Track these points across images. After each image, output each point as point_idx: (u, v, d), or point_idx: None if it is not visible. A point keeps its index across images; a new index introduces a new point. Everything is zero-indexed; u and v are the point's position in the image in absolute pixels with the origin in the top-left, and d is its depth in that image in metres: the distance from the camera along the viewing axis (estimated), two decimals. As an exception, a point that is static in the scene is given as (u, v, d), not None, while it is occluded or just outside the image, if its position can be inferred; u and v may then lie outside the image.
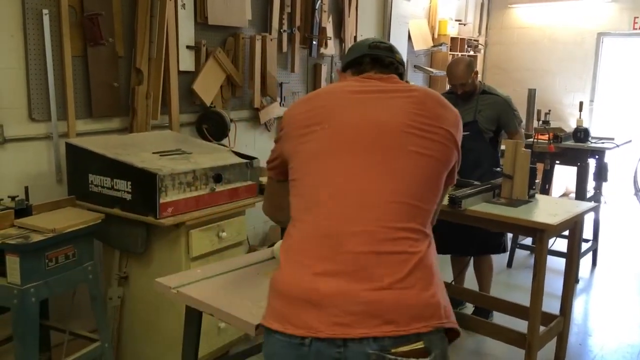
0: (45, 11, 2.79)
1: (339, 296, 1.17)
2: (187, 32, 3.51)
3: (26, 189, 2.43)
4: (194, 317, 1.81)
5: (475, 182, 3.07)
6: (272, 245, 2.14)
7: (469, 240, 3.46)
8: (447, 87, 6.30)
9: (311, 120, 1.43)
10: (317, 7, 4.39)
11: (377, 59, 1.59)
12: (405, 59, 5.82)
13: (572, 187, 5.69)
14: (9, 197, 2.37)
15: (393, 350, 1.14)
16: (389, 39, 5.48)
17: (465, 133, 3.60)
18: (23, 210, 2.33)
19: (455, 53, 6.54)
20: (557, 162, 4.63)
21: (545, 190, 4.67)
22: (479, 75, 4.13)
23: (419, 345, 1.16)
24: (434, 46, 6.33)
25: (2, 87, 2.60)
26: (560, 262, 3.32)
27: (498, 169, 3.19)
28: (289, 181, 1.45)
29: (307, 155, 1.40)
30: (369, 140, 1.35)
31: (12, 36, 2.72)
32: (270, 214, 1.80)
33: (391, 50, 1.63)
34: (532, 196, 2.99)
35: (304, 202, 1.36)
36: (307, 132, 1.41)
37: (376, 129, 1.37)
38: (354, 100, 1.45)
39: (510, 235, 4.15)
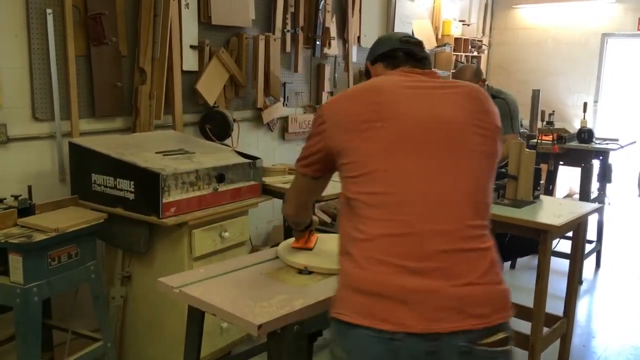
0: (49, 11, 2.79)
1: (427, 293, 1.22)
2: (190, 32, 3.51)
3: (29, 188, 2.44)
4: (196, 317, 1.80)
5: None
6: (276, 245, 2.14)
7: (501, 245, 3.45)
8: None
9: (369, 115, 1.40)
10: (320, 7, 4.39)
11: (410, 53, 1.61)
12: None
13: (576, 188, 5.67)
14: (12, 196, 2.38)
15: (481, 342, 1.22)
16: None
17: None
18: (26, 209, 2.33)
19: (459, 53, 6.53)
20: (561, 163, 4.62)
21: (549, 191, 4.65)
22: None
23: (502, 335, 1.25)
24: (437, 47, 6.32)
25: (5, 86, 2.61)
26: (564, 264, 3.31)
27: (503, 169, 3.18)
28: (343, 178, 1.44)
29: (373, 152, 1.37)
30: (438, 139, 1.38)
31: (16, 36, 2.73)
32: (294, 215, 1.78)
33: (421, 45, 1.65)
34: (537, 197, 2.98)
35: (377, 199, 1.34)
36: (367, 127, 1.39)
37: (442, 126, 1.39)
38: (411, 95, 1.45)
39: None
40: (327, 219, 4.21)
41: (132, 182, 2.55)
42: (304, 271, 1.84)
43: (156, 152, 2.75)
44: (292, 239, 2.10)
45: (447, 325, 1.21)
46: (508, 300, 1.31)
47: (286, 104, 4.37)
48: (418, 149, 1.36)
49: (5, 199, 2.38)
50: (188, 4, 3.46)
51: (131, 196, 2.56)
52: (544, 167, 4.15)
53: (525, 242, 3.57)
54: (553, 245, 2.76)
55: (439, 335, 1.21)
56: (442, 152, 1.37)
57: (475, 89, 1.51)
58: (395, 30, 5.50)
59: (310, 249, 2.00)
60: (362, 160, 1.38)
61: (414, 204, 1.31)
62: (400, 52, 1.61)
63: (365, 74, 1.75)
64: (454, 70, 6.35)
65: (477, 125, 1.42)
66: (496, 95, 3.48)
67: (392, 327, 1.22)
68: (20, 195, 2.37)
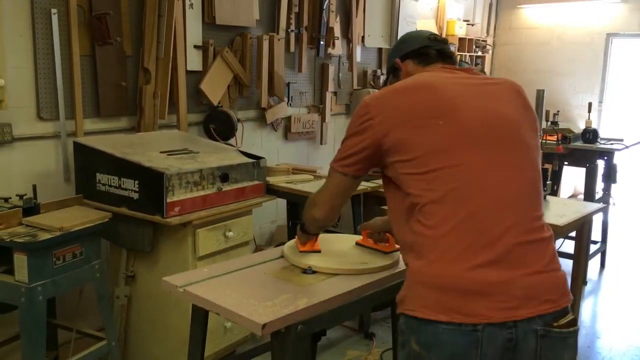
0: (54, 10, 2.80)
1: (503, 284, 1.29)
2: (194, 32, 3.51)
3: (34, 187, 2.44)
4: (200, 316, 1.80)
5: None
6: (280, 244, 2.14)
7: None
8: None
9: (428, 112, 1.42)
10: (324, 7, 4.39)
11: (441, 50, 1.66)
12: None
13: (581, 188, 5.65)
14: (17, 195, 2.39)
15: (554, 324, 1.32)
16: (396, 40, 5.47)
17: None
18: (31, 208, 2.34)
19: (463, 53, 6.52)
20: (566, 163, 4.61)
21: (554, 191, 4.64)
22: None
23: (570, 316, 1.35)
24: (441, 46, 6.31)
25: (11, 86, 2.61)
26: (568, 264, 3.30)
27: None
28: (400, 175, 1.44)
29: (438, 149, 1.39)
30: (499, 135, 1.43)
31: (21, 35, 2.73)
32: (324, 218, 1.71)
33: (447, 43, 1.71)
34: (544, 197, 2.97)
35: (446, 196, 1.36)
36: (427, 123, 1.41)
37: (500, 122, 1.45)
38: (464, 92, 1.48)
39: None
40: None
41: (136, 182, 2.56)
42: (308, 271, 1.84)
43: (160, 152, 2.75)
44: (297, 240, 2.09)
45: (523, 312, 1.29)
46: (567, 285, 1.42)
47: (290, 104, 4.37)
48: (481, 145, 1.40)
49: (10, 198, 2.39)
50: (192, 4, 3.46)
51: (135, 196, 2.57)
52: (548, 167, 4.15)
53: None
54: (557, 246, 2.75)
55: (515, 322, 1.28)
56: (503, 147, 1.42)
57: (516, 85, 1.57)
58: (400, 31, 5.49)
59: (319, 251, 1.98)
60: (426, 157, 1.39)
61: (483, 199, 1.35)
62: (431, 49, 1.66)
63: (392, 72, 1.77)
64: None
65: (526, 119, 1.50)
66: None
67: (473, 319, 1.28)
68: (25, 194, 2.38)
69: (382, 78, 5.26)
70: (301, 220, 1.89)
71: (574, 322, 1.36)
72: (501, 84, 1.56)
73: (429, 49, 1.66)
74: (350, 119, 1.57)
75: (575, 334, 1.36)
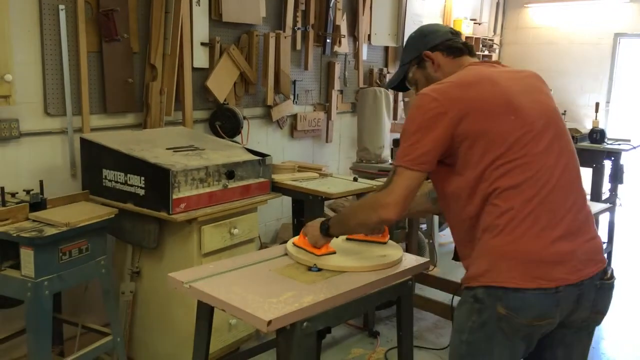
0: (61, 7, 2.81)
1: (572, 252, 1.56)
2: (201, 29, 3.52)
3: (41, 183, 2.45)
4: (205, 312, 1.81)
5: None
6: (285, 242, 2.14)
7: None
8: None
9: (498, 106, 1.59)
10: (331, 5, 4.39)
11: (466, 44, 1.80)
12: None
13: (587, 188, 5.62)
14: (24, 190, 2.40)
15: (604, 278, 1.63)
16: (403, 38, 5.46)
17: None
18: (38, 204, 2.35)
19: (470, 52, 6.50)
20: (572, 163, 4.58)
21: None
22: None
23: (610, 271, 1.66)
24: (448, 45, 6.29)
25: (18, 81, 2.62)
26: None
27: None
28: (476, 164, 1.57)
29: (513, 141, 1.56)
30: (552, 126, 1.64)
31: (29, 31, 2.74)
32: (398, 218, 1.69)
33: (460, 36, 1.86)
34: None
35: (522, 184, 1.56)
36: (501, 117, 1.58)
37: (550, 114, 1.67)
38: (516, 86, 1.67)
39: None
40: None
41: (142, 178, 2.56)
42: (313, 268, 1.84)
43: (166, 149, 2.76)
44: (298, 236, 2.08)
45: (588, 271, 1.58)
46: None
47: (296, 102, 4.37)
48: (544, 137, 1.60)
49: (17, 193, 2.40)
50: (199, 1, 3.47)
51: (141, 192, 2.57)
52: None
53: None
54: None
55: (583, 281, 1.57)
56: (557, 136, 1.64)
57: (537, 75, 1.80)
58: (406, 29, 5.48)
59: (334, 252, 1.95)
60: (503, 148, 1.56)
61: (553, 185, 1.57)
62: (456, 42, 1.78)
63: (417, 63, 1.82)
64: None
65: (556, 106, 1.74)
66: None
67: (556, 283, 1.53)
68: (32, 189, 2.39)
69: (389, 76, 5.24)
70: (326, 224, 1.87)
71: (613, 275, 1.67)
72: (530, 75, 1.77)
73: (455, 42, 1.78)
74: (410, 115, 1.64)
75: (614, 284, 1.68)
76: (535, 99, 1.66)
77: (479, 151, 1.56)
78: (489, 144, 1.55)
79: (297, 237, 2.04)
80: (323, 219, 1.94)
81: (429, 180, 1.74)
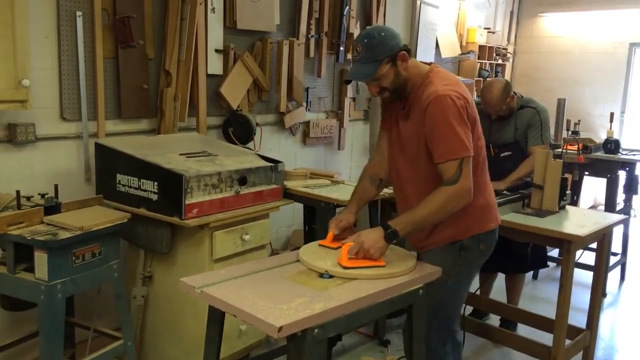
0: (79, 13, 2.84)
1: None
2: (216, 36, 3.54)
3: (56, 187, 2.47)
4: (216, 317, 1.81)
5: (505, 192, 3.04)
6: (297, 249, 2.14)
7: (521, 257, 3.42)
8: (475, 95, 6.25)
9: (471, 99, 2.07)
10: (345, 13, 4.40)
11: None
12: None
13: (601, 199, 5.57)
14: (39, 194, 2.41)
15: None
16: (416, 46, 5.46)
17: (507, 154, 3.52)
18: (52, 207, 2.37)
19: (484, 61, 6.49)
20: (586, 173, 4.55)
21: (574, 201, 4.58)
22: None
23: None
24: (461, 54, 6.29)
25: (35, 86, 2.65)
26: (588, 276, 3.26)
27: (528, 178, 3.14)
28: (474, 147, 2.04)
29: (478, 124, 2.11)
30: None
31: (46, 37, 2.78)
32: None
33: None
34: (563, 207, 2.94)
35: (479, 163, 2.13)
36: (474, 106, 2.07)
37: None
38: None
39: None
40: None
41: (155, 183, 2.58)
42: (325, 275, 1.84)
43: (180, 154, 2.77)
44: (313, 243, 2.10)
45: None
46: None
47: (309, 109, 4.38)
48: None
49: (32, 196, 2.42)
50: (214, 8, 3.49)
51: (154, 197, 2.59)
52: (568, 177, 4.11)
53: (541, 254, 3.55)
54: (577, 257, 2.72)
55: None
56: None
57: None
58: (419, 38, 5.49)
59: (335, 248, 1.99)
60: (478, 132, 2.10)
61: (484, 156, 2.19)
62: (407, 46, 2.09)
63: (392, 61, 2.01)
64: (478, 79, 6.31)
65: None
66: (526, 105, 3.34)
67: (498, 221, 2.26)
68: (47, 193, 2.41)
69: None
70: (394, 232, 1.93)
71: None
72: None
73: (408, 46, 2.07)
74: (445, 114, 1.95)
75: None
76: None
77: (475, 135, 2.05)
78: (477, 129, 2.08)
79: (315, 243, 2.07)
80: (378, 229, 1.96)
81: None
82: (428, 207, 1.96)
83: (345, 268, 1.86)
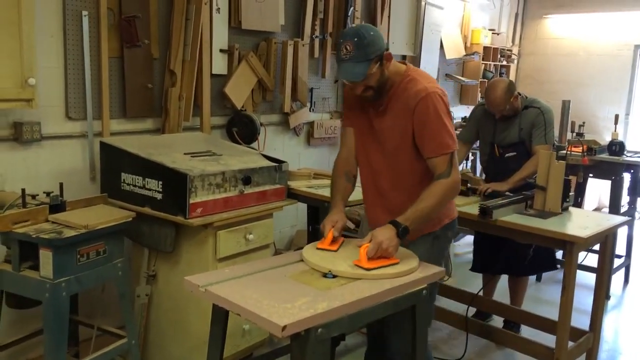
0: (84, 13, 2.86)
1: None
2: (220, 36, 3.55)
3: (61, 185, 2.49)
4: (220, 316, 1.82)
5: (508, 193, 3.03)
6: (300, 248, 2.15)
7: (523, 258, 3.41)
8: (479, 96, 6.24)
9: None
10: (349, 14, 4.40)
11: None
12: (437, 68, 5.80)
13: (606, 200, 5.56)
14: (44, 192, 2.43)
15: None
16: (420, 47, 5.46)
17: (512, 154, 3.51)
18: (57, 206, 2.38)
19: (488, 62, 6.48)
20: (591, 175, 4.54)
21: (578, 203, 4.57)
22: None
23: None
24: (466, 55, 6.28)
25: (41, 85, 2.67)
26: (592, 278, 3.25)
27: (531, 179, 3.13)
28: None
29: None
30: None
31: (52, 36, 2.79)
32: None
33: None
34: (566, 209, 2.93)
35: None
36: None
37: None
38: None
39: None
40: (352, 225, 4.21)
41: (160, 182, 2.59)
42: (328, 275, 1.85)
43: (184, 153, 2.78)
44: (311, 245, 2.10)
45: None
46: None
47: (313, 109, 4.38)
48: None
49: (37, 195, 2.43)
50: (219, 8, 3.50)
51: (159, 196, 2.60)
52: (572, 178, 4.10)
53: (547, 256, 3.54)
54: (580, 259, 2.72)
55: None
56: None
57: None
58: (424, 39, 5.49)
59: (335, 251, 2.00)
60: None
61: None
62: None
63: (380, 60, 2.04)
64: (482, 80, 6.31)
65: None
66: (530, 105, 3.34)
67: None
68: (52, 192, 2.42)
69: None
70: (404, 228, 1.97)
71: None
72: None
73: None
74: (436, 111, 2.04)
75: None
76: None
77: None
78: None
79: (313, 245, 2.05)
80: (390, 227, 1.98)
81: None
82: (430, 201, 2.04)
83: (369, 270, 1.87)
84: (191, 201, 2.52)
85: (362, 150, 2.29)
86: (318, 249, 2.04)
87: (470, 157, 5.62)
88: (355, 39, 1.99)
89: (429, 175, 2.11)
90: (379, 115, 2.18)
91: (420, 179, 2.14)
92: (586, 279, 4.06)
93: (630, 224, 4.42)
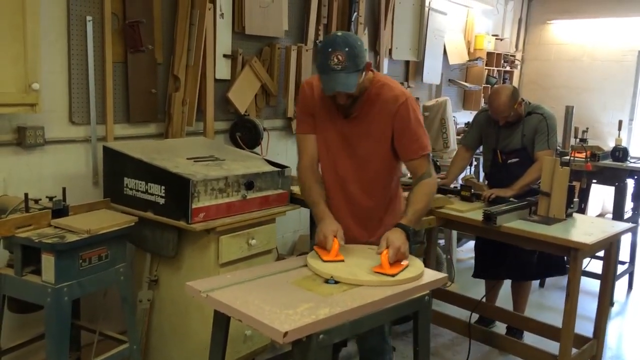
0: (89, 18, 2.87)
1: None
2: (224, 41, 3.56)
3: (64, 190, 2.49)
4: (222, 321, 1.81)
5: (512, 199, 3.03)
6: (303, 254, 2.14)
7: (527, 264, 3.40)
8: (482, 102, 6.24)
9: None
10: (353, 19, 4.41)
11: None
12: (440, 73, 5.80)
13: (609, 207, 5.54)
14: (47, 197, 2.43)
15: None
16: (424, 53, 5.46)
17: (514, 160, 3.51)
18: (60, 210, 2.38)
19: (491, 68, 6.47)
20: (594, 181, 4.53)
21: (581, 209, 4.55)
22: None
23: None
24: (469, 61, 6.28)
25: (45, 90, 2.67)
26: (596, 284, 3.23)
27: (535, 185, 3.12)
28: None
29: None
30: None
31: (57, 41, 2.80)
32: None
33: None
34: (570, 215, 2.92)
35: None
36: None
37: None
38: None
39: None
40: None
41: (163, 187, 2.59)
42: (330, 281, 1.84)
43: (187, 158, 2.78)
44: (317, 252, 2.08)
45: None
46: None
47: (316, 114, 4.37)
48: None
49: (40, 199, 2.43)
50: (223, 14, 3.51)
51: (161, 201, 2.60)
52: (576, 184, 4.10)
53: (555, 261, 3.52)
54: (584, 265, 2.70)
55: None
56: None
57: None
58: (427, 45, 5.49)
59: (343, 261, 1.98)
60: None
61: None
62: None
63: (364, 70, 2.05)
64: (485, 85, 6.31)
65: None
66: (534, 111, 3.32)
67: None
68: (55, 196, 2.42)
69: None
70: (410, 230, 2.02)
71: None
72: None
73: None
74: (416, 115, 2.14)
75: None
76: None
77: None
78: None
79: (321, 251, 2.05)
80: (400, 230, 2.01)
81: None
82: (425, 201, 2.13)
83: (394, 275, 1.87)
84: (194, 206, 2.52)
85: (327, 157, 2.27)
86: (325, 261, 1.98)
87: (474, 163, 5.61)
88: (347, 49, 1.96)
89: (394, 179, 2.27)
90: (351, 121, 2.18)
91: (387, 183, 2.26)
92: (590, 285, 4.04)
93: (634, 231, 4.40)
